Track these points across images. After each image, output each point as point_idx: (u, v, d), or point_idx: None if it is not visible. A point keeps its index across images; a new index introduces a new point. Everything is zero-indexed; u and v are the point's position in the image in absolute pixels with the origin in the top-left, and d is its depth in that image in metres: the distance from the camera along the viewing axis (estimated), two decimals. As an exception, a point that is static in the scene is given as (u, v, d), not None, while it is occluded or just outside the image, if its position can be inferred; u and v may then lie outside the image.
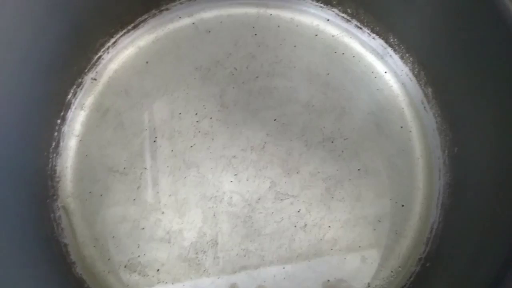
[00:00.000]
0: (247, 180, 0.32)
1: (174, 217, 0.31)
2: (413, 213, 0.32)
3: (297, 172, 0.32)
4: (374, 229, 0.31)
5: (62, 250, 0.31)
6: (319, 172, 0.32)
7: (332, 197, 0.32)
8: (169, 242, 0.31)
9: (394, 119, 0.34)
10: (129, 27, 0.34)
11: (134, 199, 0.32)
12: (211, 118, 0.33)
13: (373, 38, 0.35)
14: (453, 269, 0.27)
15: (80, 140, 0.33)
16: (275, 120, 0.33)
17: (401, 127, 0.34)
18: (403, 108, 0.34)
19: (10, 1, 0.26)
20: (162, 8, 0.35)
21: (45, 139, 0.32)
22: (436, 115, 0.33)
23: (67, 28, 0.30)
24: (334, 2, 0.35)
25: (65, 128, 0.33)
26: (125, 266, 0.31)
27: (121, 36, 0.34)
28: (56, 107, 0.32)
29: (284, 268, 0.30)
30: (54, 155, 0.32)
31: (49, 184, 0.32)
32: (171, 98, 0.34)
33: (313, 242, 0.31)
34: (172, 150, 0.33)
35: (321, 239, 0.31)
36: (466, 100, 0.30)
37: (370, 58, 0.35)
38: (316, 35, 0.35)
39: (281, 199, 0.32)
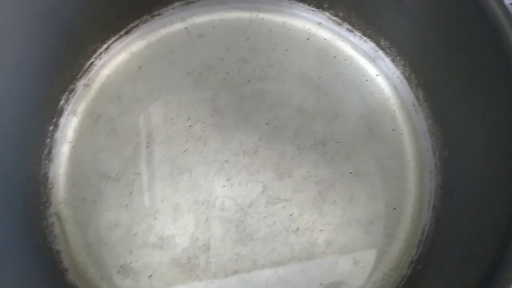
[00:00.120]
0: (240, 184, 0.32)
1: (167, 223, 0.31)
2: (405, 215, 0.32)
3: (290, 176, 0.32)
4: (366, 232, 0.31)
5: (54, 257, 0.31)
6: (311, 175, 0.32)
7: (324, 201, 0.32)
8: (161, 248, 0.31)
9: (385, 122, 0.34)
10: (121, 33, 0.35)
11: (126, 205, 0.32)
12: (203, 122, 0.33)
13: (365, 41, 0.35)
14: (444, 272, 0.27)
15: (73, 146, 0.33)
16: (267, 124, 0.33)
17: (393, 129, 0.34)
18: (394, 111, 0.34)
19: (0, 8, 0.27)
20: (154, 14, 0.35)
21: (37, 146, 0.32)
22: (427, 117, 0.33)
23: (58, 34, 0.30)
24: (326, 5, 0.35)
25: (57, 135, 0.33)
26: (117, 272, 0.31)
27: (113, 41, 0.35)
28: (48, 114, 0.32)
29: (276, 272, 0.30)
30: (47, 161, 0.32)
31: (41, 190, 0.32)
32: (164, 103, 0.34)
33: (305, 246, 0.31)
34: (164, 155, 0.33)
35: (313, 243, 0.31)
36: (456, 103, 0.30)
37: (362, 61, 0.35)
38: (308, 38, 0.36)
39: (274, 203, 0.32)
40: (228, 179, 0.32)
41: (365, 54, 0.35)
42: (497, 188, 0.25)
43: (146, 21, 0.35)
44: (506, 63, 0.25)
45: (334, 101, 0.34)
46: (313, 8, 0.36)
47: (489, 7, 0.25)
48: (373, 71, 0.35)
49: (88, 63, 0.34)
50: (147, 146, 0.33)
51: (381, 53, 0.35)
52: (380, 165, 0.33)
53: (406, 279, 0.30)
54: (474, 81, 0.28)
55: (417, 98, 0.34)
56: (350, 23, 0.35)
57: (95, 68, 0.34)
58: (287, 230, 0.31)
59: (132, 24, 0.35)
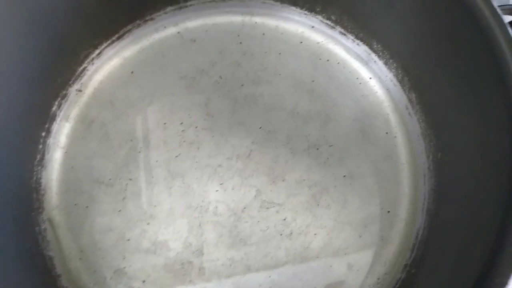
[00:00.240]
0: (233, 189, 0.32)
1: (160, 228, 0.31)
2: (399, 219, 0.32)
3: (283, 180, 0.32)
4: (360, 236, 0.31)
5: (47, 263, 0.31)
6: (304, 179, 0.32)
7: (318, 204, 0.32)
8: (154, 253, 0.31)
9: (379, 125, 0.34)
10: (114, 38, 0.35)
11: (119, 210, 0.31)
12: (196, 127, 0.33)
13: (357, 44, 0.35)
14: (437, 276, 0.27)
15: (66, 152, 0.33)
16: (260, 128, 0.33)
17: (386, 133, 0.34)
18: (388, 114, 0.34)
19: (-10, 14, 0.27)
20: (147, 18, 0.35)
21: (29, 152, 0.32)
22: (420, 120, 0.33)
23: (49, 40, 0.30)
24: (318, 9, 0.35)
25: (50, 140, 0.33)
26: (110, 278, 0.30)
27: (105, 47, 0.34)
28: (40, 120, 0.32)
29: (270, 277, 0.30)
30: (39, 167, 0.32)
31: (34, 197, 0.31)
32: (157, 107, 0.34)
33: (299, 250, 0.31)
34: (157, 160, 0.32)
35: (307, 247, 0.31)
36: (449, 106, 0.30)
37: (355, 64, 0.35)
38: (301, 42, 0.36)
39: (267, 208, 0.31)
40: (221, 183, 0.32)
41: (358, 57, 0.35)
42: (490, 192, 0.25)
43: (138, 26, 0.35)
44: (498, 65, 0.25)
45: (327, 104, 0.34)
46: (306, 12, 0.36)
47: (479, 9, 0.25)
48: (366, 74, 0.35)
49: (81, 68, 0.34)
50: (140, 151, 0.33)
51: (374, 56, 0.35)
52: (373, 168, 0.33)
53: (400, 283, 0.30)
54: (467, 84, 0.28)
55: (410, 101, 0.34)
56: (342, 26, 0.35)
57: (88, 73, 0.34)
58: (281, 235, 0.31)
59: (124, 29, 0.35)
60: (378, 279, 0.30)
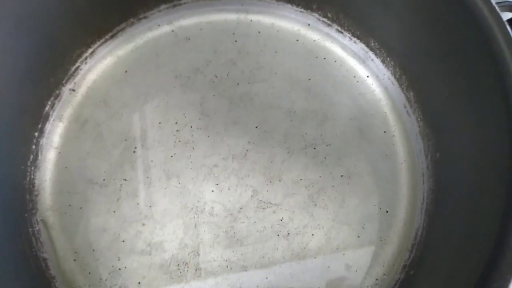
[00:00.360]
0: (229, 189, 0.31)
1: (155, 229, 0.31)
2: (398, 219, 0.31)
3: (280, 180, 0.32)
4: (358, 236, 0.31)
5: (41, 265, 0.30)
6: (301, 179, 0.32)
7: (315, 204, 0.31)
8: (150, 254, 0.30)
9: (377, 124, 0.33)
10: (107, 37, 0.34)
11: (114, 211, 0.31)
12: (191, 126, 0.33)
13: (354, 42, 0.35)
14: (436, 277, 0.27)
15: (59, 152, 0.33)
16: (256, 127, 0.33)
17: (384, 131, 0.33)
18: (385, 113, 0.34)
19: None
20: (140, 17, 0.35)
21: (22, 152, 0.31)
22: (419, 119, 0.33)
23: (40, 39, 0.30)
24: (314, 7, 0.35)
25: (43, 141, 0.32)
26: (105, 280, 0.30)
27: (99, 46, 0.34)
28: (33, 120, 0.32)
29: (267, 278, 0.30)
30: (32, 168, 0.32)
31: (27, 198, 0.31)
32: (151, 107, 0.33)
33: (296, 251, 0.30)
34: (152, 160, 0.32)
35: (304, 248, 0.30)
36: (447, 104, 0.29)
37: (352, 63, 0.35)
38: (297, 40, 0.35)
39: (264, 208, 0.31)
40: (217, 184, 0.32)
41: (355, 55, 0.35)
42: (490, 192, 0.25)
43: (132, 24, 0.35)
44: (496, 63, 0.24)
45: (324, 103, 0.33)
46: (302, 9, 0.35)
47: (477, 7, 0.25)
48: (364, 72, 0.35)
49: (74, 67, 0.33)
50: (134, 151, 0.32)
51: (371, 54, 0.35)
52: (371, 167, 0.32)
53: (399, 284, 0.30)
54: (465, 82, 0.28)
55: (408, 99, 0.33)
56: (339, 24, 0.35)
57: (81, 72, 0.34)
58: (278, 235, 0.31)
59: (117, 28, 0.34)
60: (377, 280, 0.30)
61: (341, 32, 0.35)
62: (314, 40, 0.35)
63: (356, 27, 0.34)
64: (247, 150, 0.32)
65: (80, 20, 0.32)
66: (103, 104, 0.33)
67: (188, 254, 0.30)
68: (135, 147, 0.32)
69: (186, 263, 0.30)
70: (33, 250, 0.30)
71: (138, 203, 0.31)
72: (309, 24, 0.35)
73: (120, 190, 0.31)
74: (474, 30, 0.26)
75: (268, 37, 0.35)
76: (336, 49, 0.35)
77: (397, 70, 0.34)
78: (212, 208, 0.31)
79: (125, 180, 0.32)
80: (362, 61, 0.35)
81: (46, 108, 0.33)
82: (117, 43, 0.34)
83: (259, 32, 0.35)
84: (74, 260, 0.30)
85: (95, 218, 0.31)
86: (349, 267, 0.30)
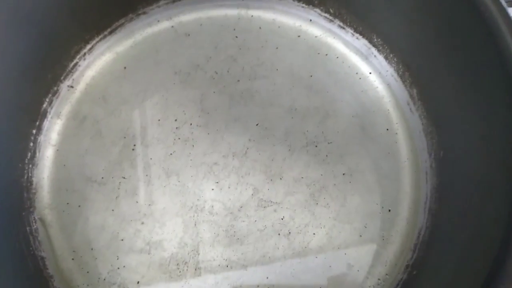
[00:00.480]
0: (229, 187, 0.31)
1: (154, 228, 0.30)
2: (400, 218, 0.31)
3: (281, 178, 0.31)
4: (360, 235, 0.30)
5: (39, 263, 0.30)
6: (303, 177, 0.31)
7: (317, 203, 0.31)
8: (149, 253, 0.30)
9: (379, 121, 0.33)
10: (106, 32, 0.34)
11: (112, 210, 0.31)
12: (191, 124, 0.32)
13: (357, 38, 0.34)
14: (440, 278, 0.26)
15: (57, 150, 0.32)
16: (257, 124, 0.32)
17: (387, 129, 0.33)
18: (388, 110, 0.33)
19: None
20: (140, 12, 0.34)
21: (20, 150, 0.31)
22: (422, 116, 0.32)
23: (37, 35, 0.29)
24: (316, 2, 0.34)
25: (41, 138, 0.32)
26: (104, 279, 0.30)
27: (97, 41, 0.33)
28: (31, 117, 0.31)
29: (268, 277, 0.29)
30: (30, 166, 0.31)
31: (25, 196, 0.31)
32: (150, 104, 0.33)
33: (297, 250, 0.30)
34: (151, 158, 0.32)
35: (305, 247, 0.30)
36: (451, 102, 0.29)
37: (354, 59, 0.34)
38: (299, 36, 0.35)
39: (264, 207, 0.31)
40: (217, 182, 0.31)
41: (357, 51, 0.34)
42: (494, 191, 0.24)
43: (131, 20, 0.34)
44: (501, 60, 0.24)
45: (326, 100, 0.33)
46: (303, 5, 0.35)
47: (483, 2, 0.24)
48: (366, 69, 0.34)
49: (72, 64, 0.33)
50: (133, 149, 0.32)
51: (374, 50, 0.34)
52: (374, 166, 0.32)
53: (401, 284, 0.29)
54: (470, 79, 0.27)
55: (412, 96, 0.33)
56: (341, 20, 0.34)
57: (79, 69, 0.33)
58: (279, 234, 0.30)
59: (116, 23, 0.34)
60: (379, 279, 0.30)
61: (343, 28, 0.34)
62: (315, 36, 0.35)
63: (359, 23, 0.34)
64: (247, 148, 0.32)
65: (78, 15, 0.31)
66: (101, 101, 0.33)
67: (188, 253, 0.30)
68: (134, 145, 0.32)
69: (186, 262, 0.30)
70: (31, 249, 0.30)
71: (137, 201, 0.31)
72: (310, 20, 0.35)
73: (119, 188, 0.31)
74: (479, 25, 0.25)
75: (269, 33, 0.34)
76: (338, 45, 0.34)
77: (400, 66, 0.33)
78: (212, 206, 0.31)
79: (124, 178, 0.31)
80: (365, 58, 0.34)
81: (44, 105, 0.32)
82: (116, 39, 0.34)
83: (260, 28, 0.35)
84: (73, 259, 0.30)
85: (93, 216, 0.31)
86: (351, 266, 0.30)
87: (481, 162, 0.26)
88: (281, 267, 0.30)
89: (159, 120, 0.32)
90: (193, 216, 0.30)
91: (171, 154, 0.32)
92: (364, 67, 0.34)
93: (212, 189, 0.31)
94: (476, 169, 0.26)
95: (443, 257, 0.27)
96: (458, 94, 0.28)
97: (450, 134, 0.29)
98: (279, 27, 0.35)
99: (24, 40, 0.29)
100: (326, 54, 0.34)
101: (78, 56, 0.33)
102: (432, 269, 0.28)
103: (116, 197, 0.31)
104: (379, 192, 0.31)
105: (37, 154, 0.32)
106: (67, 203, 0.31)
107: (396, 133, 0.33)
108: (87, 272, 0.30)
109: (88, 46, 0.33)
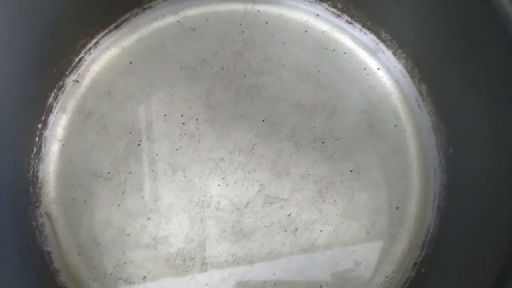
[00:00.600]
0: (235, 183, 0.31)
1: (160, 223, 0.30)
2: (409, 215, 0.31)
3: (287, 175, 0.31)
4: (368, 233, 0.30)
5: (45, 258, 0.30)
6: (310, 174, 0.31)
7: (324, 200, 0.31)
8: (155, 249, 0.30)
9: (387, 118, 0.32)
10: (111, 27, 0.33)
11: (118, 205, 0.31)
12: (197, 119, 0.32)
13: (365, 33, 0.34)
14: (449, 276, 0.26)
15: (63, 145, 0.32)
16: (263, 120, 0.32)
17: (395, 126, 0.32)
18: (396, 106, 0.33)
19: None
20: (145, 6, 0.34)
21: (25, 145, 0.31)
22: (431, 113, 0.32)
23: (43, 30, 0.29)
24: (323, -4, 0.34)
25: (46, 133, 0.32)
26: (110, 274, 0.30)
27: (102, 36, 0.33)
28: (36, 112, 0.31)
29: (274, 274, 0.29)
30: (36, 160, 0.31)
31: (30, 191, 0.31)
32: (156, 99, 0.33)
33: (304, 247, 0.30)
34: (157, 154, 0.31)
35: (312, 244, 0.30)
36: (461, 98, 0.29)
37: (362, 54, 0.34)
38: (306, 31, 0.34)
39: (271, 203, 0.30)
40: (223, 178, 0.31)
41: (365, 47, 0.34)
42: (505, 188, 0.24)
43: (136, 14, 0.34)
44: (515, 55, 0.23)
45: (334, 96, 0.33)
46: (311, -1, 0.34)
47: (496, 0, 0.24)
48: (374, 65, 0.34)
49: (77, 58, 0.33)
50: (139, 144, 0.32)
51: (382, 45, 0.34)
52: (382, 162, 0.31)
53: (409, 282, 0.29)
54: (481, 75, 0.27)
55: (420, 92, 0.32)
56: (349, 15, 0.34)
57: (85, 63, 0.33)
58: (285, 231, 0.30)
59: (122, 18, 0.33)
60: (386, 277, 0.30)
61: (351, 23, 0.34)
62: (323, 31, 0.34)
63: (367, 18, 0.33)
64: (254, 144, 0.32)
65: (84, 10, 0.31)
66: (107, 96, 0.33)
67: (194, 249, 0.30)
68: (140, 140, 0.32)
69: (192, 258, 0.30)
70: (37, 243, 0.30)
71: (143, 197, 0.31)
72: (318, 15, 0.34)
73: (125, 184, 0.31)
74: (491, 20, 0.25)
75: (275, 28, 0.34)
76: (346, 41, 0.34)
77: (409, 62, 0.33)
78: (219, 202, 0.31)
79: (130, 173, 0.31)
80: (373, 53, 0.34)
81: (50, 100, 0.32)
82: (122, 33, 0.34)
83: (266, 22, 0.34)
84: (79, 254, 0.30)
85: (99, 211, 0.31)
86: (358, 263, 0.30)
87: (490, 159, 0.26)
88: (288, 263, 0.29)
89: (165, 115, 0.32)
90: (200, 212, 0.30)
91: (177, 149, 0.31)
92: (372, 63, 0.34)
93: (219, 185, 0.31)
94: (486, 166, 0.26)
95: (452, 255, 0.27)
96: (469, 91, 0.28)
97: (460, 131, 0.29)
98: (285, 22, 0.34)
99: (29, 34, 0.28)
100: (334, 50, 0.34)
101: (83, 51, 0.33)
102: (440, 267, 0.27)
103: (122, 192, 0.31)
104: (387, 189, 0.31)
105: (43, 149, 0.32)
106: (73, 198, 0.31)
107: (405, 130, 0.32)
108: (93, 267, 0.30)
109: (94, 41, 0.33)
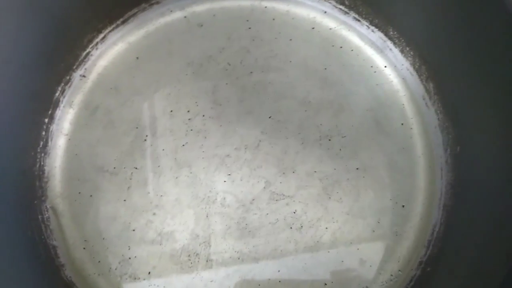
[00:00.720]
0: (241, 180, 0.31)
1: (166, 218, 0.30)
2: (414, 213, 0.31)
3: (293, 172, 0.31)
4: (373, 231, 0.30)
5: (50, 252, 0.30)
6: (315, 171, 0.31)
7: (330, 197, 0.30)
8: (160, 244, 0.30)
9: (394, 116, 0.32)
10: (118, 22, 0.33)
11: (124, 200, 0.31)
12: (203, 115, 0.32)
13: (372, 31, 0.34)
14: (455, 275, 0.26)
15: (69, 139, 0.32)
16: (270, 117, 0.32)
17: (402, 124, 0.32)
18: (403, 104, 0.33)
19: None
20: (153, 2, 0.34)
21: (32, 139, 0.31)
22: (438, 111, 0.32)
23: (50, 24, 0.29)
24: (331, -7, 0.34)
25: (53, 127, 0.32)
26: (115, 269, 0.30)
27: (110, 31, 0.33)
28: (43, 106, 0.31)
29: (279, 271, 0.29)
30: (42, 154, 0.31)
31: (37, 184, 0.31)
32: (162, 95, 0.33)
33: (309, 244, 0.30)
34: (163, 149, 0.31)
35: (317, 241, 0.30)
36: (469, 96, 0.28)
37: (369, 52, 0.34)
38: (313, 28, 0.34)
39: (276, 200, 0.30)
40: (229, 174, 0.31)
41: (372, 44, 0.34)
42: (511, 187, 0.24)
43: (143, 9, 0.34)
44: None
45: (340, 93, 0.33)
46: (319, -4, 0.34)
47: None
48: (381, 62, 0.34)
49: (84, 53, 0.33)
50: (145, 140, 0.32)
51: (389, 43, 0.33)
52: (388, 160, 0.31)
53: (414, 280, 0.29)
54: (489, 74, 0.27)
55: (428, 91, 0.32)
56: (357, 12, 0.34)
57: (92, 58, 0.33)
58: (291, 228, 0.30)
59: (129, 13, 0.33)
60: (392, 275, 0.30)
61: (359, 20, 0.34)
62: (330, 28, 0.34)
63: (374, 15, 0.33)
64: (260, 141, 0.31)
65: (91, 4, 0.31)
66: (114, 91, 0.33)
67: (199, 245, 0.30)
68: (146, 135, 0.32)
69: (197, 254, 0.30)
70: (43, 237, 0.30)
71: (148, 192, 0.31)
72: (325, 12, 0.34)
73: (130, 179, 0.31)
74: (501, 18, 0.24)
75: (283, 24, 0.34)
76: (353, 38, 0.34)
77: (417, 60, 0.32)
78: (224, 198, 0.30)
79: (136, 168, 0.31)
80: (380, 51, 0.34)
81: (56, 94, 0.32)
82: (129, 28, 0.34)
83: (273, 19, 0.34)
84: (84, 248, 0.30)
85: (105, 206, 0.31)
86: (363, 262, 0.30)
87: (497, 158, 0.26)
88: (293, 261, 0.29)
89: (171, 111, 0.32)
90: (205, 208, 0.30)
91: (183, 145, 0.31)
92: (379, 61, 0.34)
93: (224, 181, 0.31)
94: (494, 165, 0.26)
95: (458, 254, 0.27)
96: (476, 89, 0.28)
97: (467, 129, 0.29)
98: (293, 18, 0.34)
99: (36, 28, 0.28)
100: (341, 47, 0.34)
101: (90, 46, 0.33)
102: (446, 266, 0.27)
103: (128, 188, 0.31)
104: (393, 187, 0.31)
105: (49, 143, 0.32)
106: (79, 193, 0.31)
107: (411, 128, 0.32)
108: (98, 261, 0.30)
109: (101, 36, 0.33)
